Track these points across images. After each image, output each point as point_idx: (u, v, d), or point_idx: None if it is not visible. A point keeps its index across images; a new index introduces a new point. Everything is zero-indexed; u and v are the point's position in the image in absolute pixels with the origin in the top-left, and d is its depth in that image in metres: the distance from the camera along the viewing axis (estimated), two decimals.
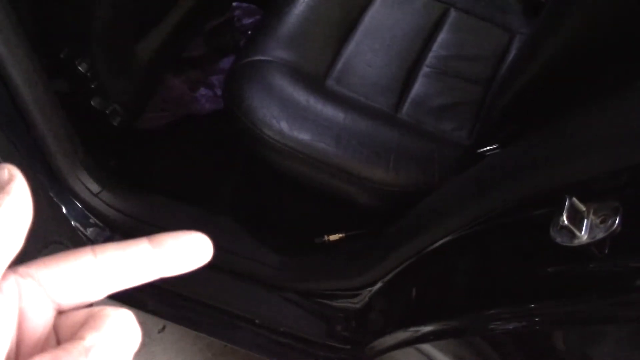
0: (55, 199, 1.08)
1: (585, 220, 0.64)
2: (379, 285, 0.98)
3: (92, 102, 1.18)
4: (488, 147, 0.91)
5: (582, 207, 0.64)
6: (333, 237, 1.19)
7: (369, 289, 1.00)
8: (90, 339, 0.26)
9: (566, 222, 0.64)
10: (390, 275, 0.95)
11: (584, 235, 0.64)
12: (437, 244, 0.85)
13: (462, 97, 1.14)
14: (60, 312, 0.29)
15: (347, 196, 1.09)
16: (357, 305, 1.02)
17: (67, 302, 0.29)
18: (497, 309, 0.75)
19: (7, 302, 0.27)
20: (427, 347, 0.83)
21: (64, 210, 1.09)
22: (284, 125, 1.00)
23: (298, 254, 1.13)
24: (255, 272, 1.09)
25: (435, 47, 1.19)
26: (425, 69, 1.16)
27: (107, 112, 1.21)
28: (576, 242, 0.65)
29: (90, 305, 0.30)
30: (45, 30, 1.07)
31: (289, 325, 1.08)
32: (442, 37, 1.21)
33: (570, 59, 0.74)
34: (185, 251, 0.30)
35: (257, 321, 1.09)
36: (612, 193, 0.65)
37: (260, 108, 1.01)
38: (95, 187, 1.10)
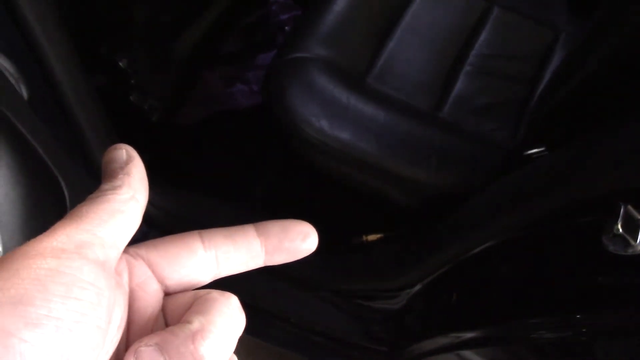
0: None
1: None
2: (418, 287, 0.96)
3: (130, 98, 1.19)
4: (534, 150, 0.89)
5: (638, 215, 0.62)
6: (371, 237, 1.17)
7: (408, 290, 0.98)
8: (198, 323, 0.26)
9: (621, 230, 0.62)
10: (430, 278, 0.93)
11: (638, 244, 0.62)
12: (479, 248, 0.83)
13: (505, 96, 1.12)
14: (167, 294, 0.30)
15: (387, 196, 1.07)
16: (395, 307, 1.01)
17: (174, 284, 0.29)
18: (542, 317, 0.74)
19: (121, 282, 0.27)
20: (468, 354, 0.82)
21: None
22: (324, 124, 0.99)
23: (335, 253, 1.12)
24: (291, 271, 1.09)
25: (478, 45, 1.17)
26: (467, 68, 1.14)
27: (145, 107, 1.22)
28: (630, 251, 0.63)
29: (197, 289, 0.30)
30: (87, 25, 1.07)
31: (325, 324, 1.07)
32: (484, 35, 1.18)
33: (628, 61, 0.71)
34: (290, 241, 0.30)
35: (292, 320, 1.08)
36: None
37: (300, 106, 1.00)
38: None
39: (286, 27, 1.61)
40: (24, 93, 0.79)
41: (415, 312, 0.99)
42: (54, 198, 0.78)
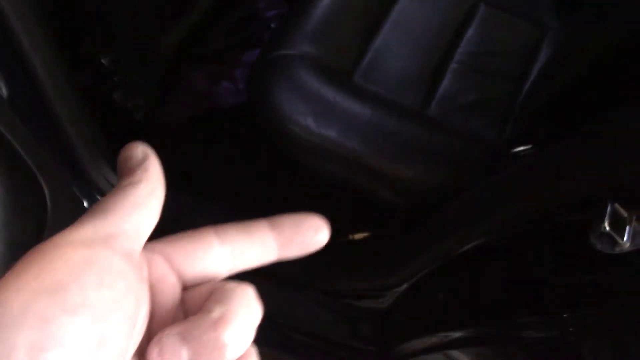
0: (77, 193, 1.07)
1: (628, 227, 0.61)
2: (405, 286, 0.96)
3: (114, 96, 1.17)
4: (521, 147, 0.88)
5: (625, 213, 0.62)
6: (358, 236, 1.17)
7: (395, 289, 0.98)
8: (218, 311, 0.26)
9: (608, 228, 0.62)
10: (417, 277, 0.92)
11: (626, 242, 0.62)
12: (466, 247, 0.83)
13: (492, 94, 1.11)
14: (185, 288, 0.30)
15: (374, 194, 1.07)
16: (383, 306, 1.00)
17: (191, 279, 0.30)
18: (529, 317, 0.73)
19: (141, 276, 0.28)
20: (455, 353, 0.81)
21: (86, 205, 1.08)
22: (310, 122, 0.98)
23: (321, 252, 1.11)
24: (278, 270, 1.08)
25: (464, 42, 1.16)
26: (453, 65, 1.13)
27: (129, 105, 1.20)
28: (617, 250, 0.62)
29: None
30: (69, 22, 1.05)
31: (312, 324, 1.07)
32: (471, 32, 1.18)
33: (615, 58, 0.71)
34: (303, 234, 0.31)
35: (278, 319, 1.07)
36: None
37: (286, 104, 0.99)
38: (117, 182, 1.09)
39: (272, 24, 1.60)
40: (4, 92, 0.78)
41: (403, 311, 0.98)
42: (34, 198, 0.76)
